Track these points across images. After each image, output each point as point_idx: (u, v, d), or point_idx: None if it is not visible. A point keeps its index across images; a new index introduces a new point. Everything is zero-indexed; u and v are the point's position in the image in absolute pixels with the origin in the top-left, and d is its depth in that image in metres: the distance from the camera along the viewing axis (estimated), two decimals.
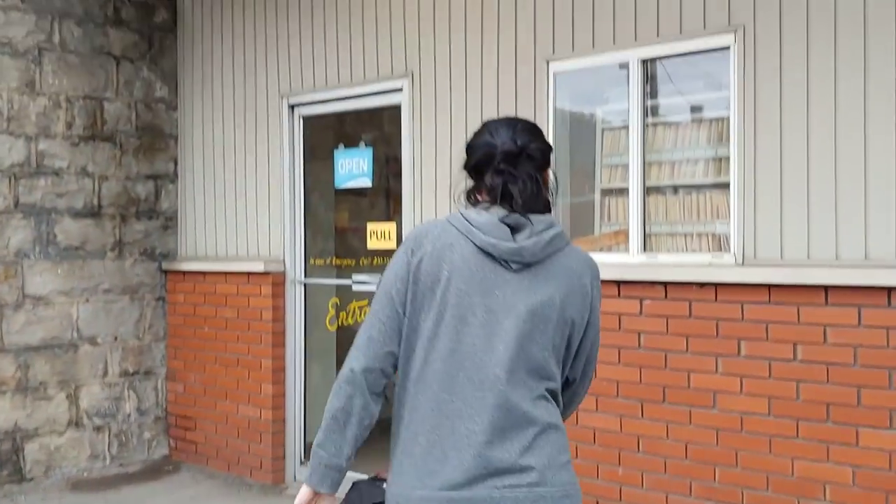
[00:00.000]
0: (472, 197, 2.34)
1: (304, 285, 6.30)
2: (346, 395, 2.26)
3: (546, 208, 2.29)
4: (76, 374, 6.48)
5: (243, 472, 6.36)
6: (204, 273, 6.68)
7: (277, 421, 6.23)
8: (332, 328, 6.40)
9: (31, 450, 6.29)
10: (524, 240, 2.23)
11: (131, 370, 6.80)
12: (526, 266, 2.24)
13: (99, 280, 6.61)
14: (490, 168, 2.29)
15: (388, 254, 5.98)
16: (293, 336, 6.26)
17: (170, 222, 7.04)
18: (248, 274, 6.34)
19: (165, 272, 6.96)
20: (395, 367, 2.28)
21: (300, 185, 6.29)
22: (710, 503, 4.23)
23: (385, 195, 7.28)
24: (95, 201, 6.62)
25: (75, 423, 6.51)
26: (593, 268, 2.36)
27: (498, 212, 2.24)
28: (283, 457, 6.26)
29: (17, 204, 6.25)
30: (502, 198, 2.26)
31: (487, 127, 2.37)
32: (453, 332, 2.20)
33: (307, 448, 6.27)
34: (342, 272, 6.51)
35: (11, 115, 6.20)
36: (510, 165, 2.27)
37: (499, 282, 2.22)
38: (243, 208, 6.51)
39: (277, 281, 6.25)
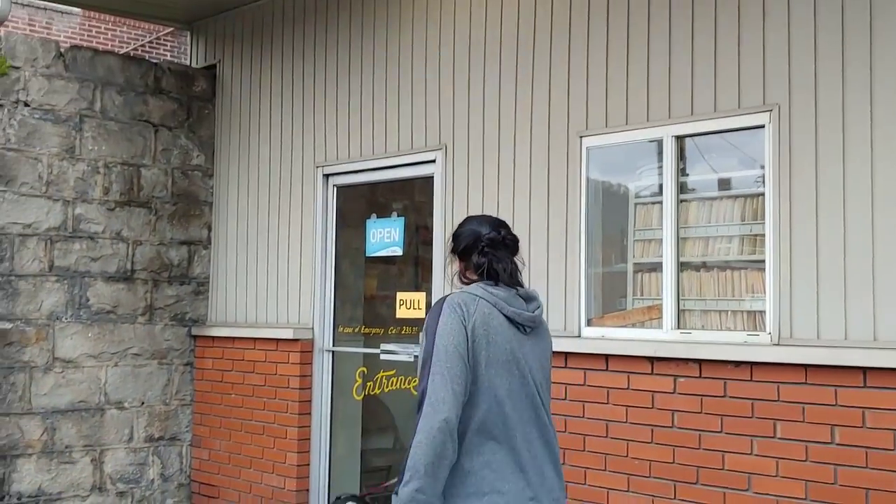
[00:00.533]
0: (463, 276, 2.96)
1: (332, 353, 6.29)
2: (441, 444, 2.56)
3: (521, 284, 2.91)
4: (102, 437, 6.47)
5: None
6: (233, 339, 6.70)
7: (301, 491, 6.15)
8: (359, 398, 6.36)
9: None
10: (534, 309, 2.86)
11: (157, 435, 6.78)
12: (533, 329, 2.84)
13: (129, 344, 6.64)
14: (476, 251, 2.89)
15: (416, 323, 5.97)
16: (319, 404, 6.23)
17: (201, 287, 7.09)
18: (277, 340, 6.34)
19: (195, 337, 6.98)
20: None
21: (331, 253, 6.32)
22: None
23: (414, 263, 7.29)
24: (129, 265, 6.68)
25: (98, 488, 6.48)
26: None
27: (506, 288, 2.83)
28: (308, 490, 6.17)
29: (51, 267, 6.32)
30: (489, 274, 2.85)
31: (470, 220, 3.04)
32: (512, 386, 2.72)
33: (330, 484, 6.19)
34: (370, 341, 6.50)
35: (51, 180, 6.31)
36: (493, 249, 2.88)
37: (521, 342, 2.79)
38: (274, 275, 6.55)
39: (306, 348, 6.24)
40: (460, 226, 3.02)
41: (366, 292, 6.75)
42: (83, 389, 6.43)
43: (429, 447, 2.53)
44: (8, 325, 6.14)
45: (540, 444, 2.78)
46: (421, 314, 5.64)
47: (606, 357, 4.64)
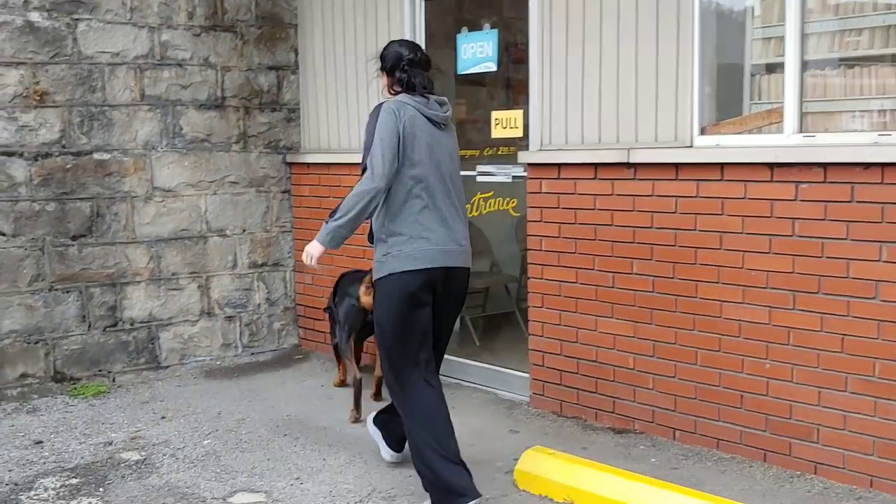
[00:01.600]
0: (390, 90, 4.05)
1: None
2: (369, 202, 3.79)
3: (433, 93, 4.00)
4: (206, 264, 6.59)
5: (370, 360, 6.39)
6: (328, 165, 6.62)
7: None
8: None
9: (166, 338, 6.47)
10: (445, 111, 3.98)
11: (260, 262, 6.88)
12: (446, 126, 3.99)
13: (225, 172, 6.64)
14: (398, 69, 4.00)
15: (513, 142, 5.77)
16: None
17: (293, 115, 6.98)
18: None
19: (290, 164, 6.94)
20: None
21: None
22: (867, 398, 3.97)
23: (504, 84, 7.01)
24: (219, 93, 6.59)
25: (207, 313, 6.65)
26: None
27: (422, 97, 3.95)
28: None
29: (142, 96, 6.27)
30: (408, 87, 3.97)
31: (392, 44, 4.14)
32: (429, 165, 3.87)
33: None
34: (464, 163, 6.33)
35: (134, 6, 6.17)
36: (411, 67, 3.98)
37: (438, 136, 3.93)
38: (364, 98, 6.37)
39: None
40: (385, 49, 4.11)
41: (461, 112, 6.54)
42: (184, 218, 6.50)
43: (361, 202, 3.77)
44: (106, 156, 6.17)
45: (452, 208, 3.95)
46: (519, 133, 5.42)
47: (721, 166, 4.39)
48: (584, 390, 5.05)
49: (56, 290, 6.03)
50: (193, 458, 4.80)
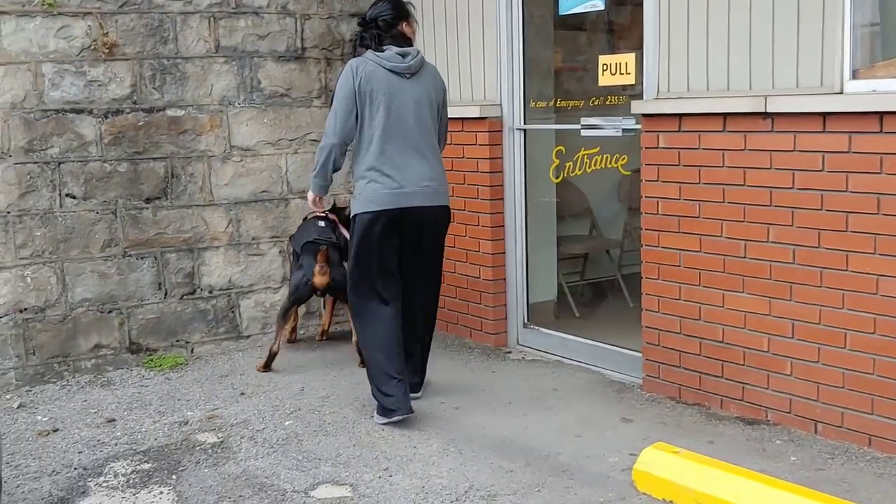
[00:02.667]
0: (362, 46, 4.49)
1: (524, 132, 5.58)
2: (328, 156, 4.44)
3: (411, 45, 4.47)
4: (288, 228, 6.16)
5: (463, 333, 5.91)
6: None
7: (498, 280, 5.68)
8: (556, 180, 5.69)
9: (247, 307, 6.09)
10: (409, 61, 4.35)
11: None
12: (412, 75, 4.36)
13: (307, 129, 6.18)
14: (370, 30, 4.47)
15: (624, 91, 5.15)
16: (512, 189, 5.61)
17: None
18: (462, 120, 5.68)
19: None
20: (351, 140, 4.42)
21: (518, 16, 5.47)
22: None
23: (608, 26, 6.33)
24: (298, 43, 6.11)
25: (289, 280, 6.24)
26: (438, 73, 4.60)
27: (390, 50, 4.39)
28: (506, 318, 5.74)
29: (217, 47, 5.83)
30: (380, 43, 4.42)
31: (372, 6, 4.55)
32: (387, 115, 4.31)
33: (530, 310, 5.71)
34: (566, 116, 5.74)
35: None
36: (378, 30, 4.43)
37: (401, 86, 4.32)
38: (454, 46, 5.80)
39: (494, 127, 5.56)
40: (369, 10, 4.54)
41: (558, 61, 5.91)
42: (264, 179, 6.08)
43: (321, 156, 4.46)
44: (180, 112, 5.76)
45: (414, 151, 4.36)
46: (631, 80, 4.80)
47: (880, 115, 3.70)
48: (707, 374, 4.46)
49: (130, 256, 5.69)
50: (273, 443, 4.39)
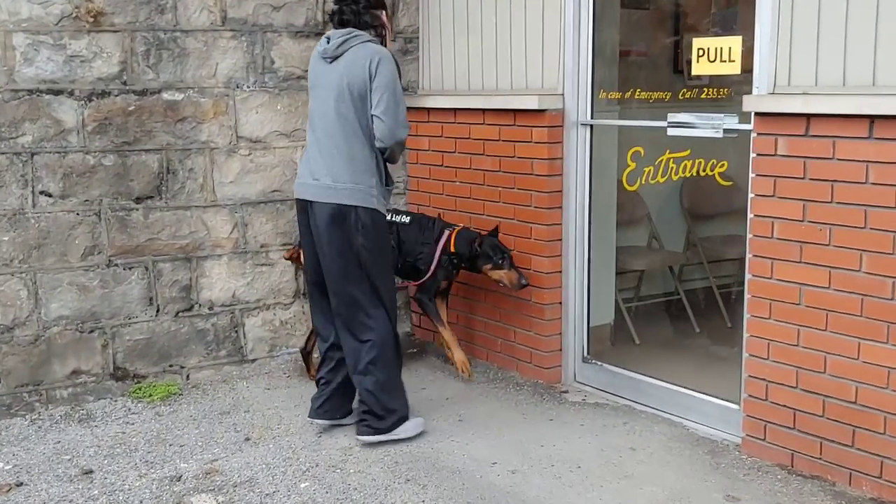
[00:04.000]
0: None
1: (591, 128, 4.65)
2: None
3: (360, 26, 3.99)
4: None
5: (507, 364, 5.02)
6: (455, 110, 5.17)
7: (553, 304, 4.77)
8: (632, 187, 4.77)
9: (253, 326, 5.19)
10: (335, 47, 3.97)
11: None
12: (334, 60, 3.97)
13: None
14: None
15: (724, 82, 4.24)
16: (575, 196, 4.69)
17: (409, 45, 5.53)
18: (516, 112, 4.77)
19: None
20: None
21: None
22: None
23: (703, 5, 5.41)
24: (319, 16, 5.17)
25: (303, 294, 5.33)
26: (376, 52, 3.92)
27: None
28: (561, 349, 4.84)
29: (224, 19, 4.90)
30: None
31: None
32: (312, 102, 4.11)
33: (590, 340, 4.81)
34: (649, 110, 4.81)
35: None
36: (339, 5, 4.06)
37: (327, 71, 3.99)
38: (506, 23, 4.86)
39: (555, 122, 4.64)
40: None
41: (638, 44, 4.98)
42: (276, 176, 5.16)
43: None
44: (178, 96, 4.84)
45: (325, 141, 3.98)
46: (734, 69, 3.88)
47: None
48: (832, 441, 3.56)
49: (116, 265, 4.78)
50: None
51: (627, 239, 5.71)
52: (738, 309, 5.97)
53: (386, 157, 3.98)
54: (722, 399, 4.10)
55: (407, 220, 4.83)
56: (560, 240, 4.72)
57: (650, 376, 4.48)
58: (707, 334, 5.64)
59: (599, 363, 4.71)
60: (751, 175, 3.75)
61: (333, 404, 4.26)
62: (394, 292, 4.16)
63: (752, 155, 3.73)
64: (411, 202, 5.60)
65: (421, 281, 4.80)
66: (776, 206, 3.64)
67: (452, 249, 4.70)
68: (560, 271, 4.74)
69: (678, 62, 5.23)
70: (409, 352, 5.46)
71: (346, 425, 4.30)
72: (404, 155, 5.58)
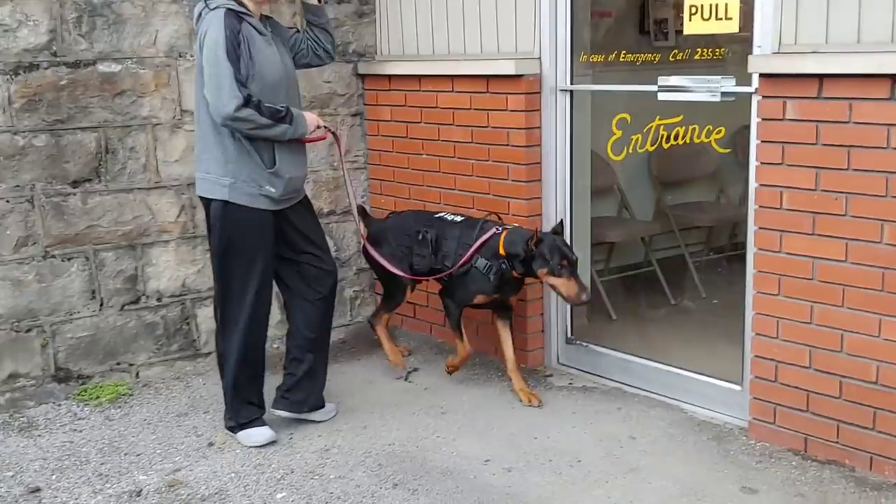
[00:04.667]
0: None
1: (571, 94, 4.34)
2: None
3: None
4: None
5: (485, 348, 4.70)
6: (419, 77, 4.80)
7: (534, 285, 4.46)
8: (618, 157, 4.48)
9: (206, 317, 4.75)
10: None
11: (326, 209, 5.13)
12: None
13: None
14: None
15: (720, 41, 3.96)
16: (554, 170, 4.38)
17: (365, 7, 5.13)
18: (488, 78, 4.42)
19: (363, 77, 5.12)
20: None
21: None
22: None
23: None
24: None
25: None
26: (207, 22, 3.44)
27: None
28: (543, 330, 4.55)
29: None
30: None
31: None
32: None
33: (572, 325, 4.53)
34: (635, 73, 4.51)
35: None
36: None
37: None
38: None
39: (532, 88, 4.31)
40: None
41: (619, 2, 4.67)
42: None
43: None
44: (115, 68, 4.38)
45: (196, 130, 3.72)
46: (732, 26, 3.59)
47: None
48: (850, 424, 3.34)
49: (53, 256, 4.32)
50: None
51: (597, 210, 5.44)
52: (712, 279, 5.84)
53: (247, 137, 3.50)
54: (722, 380, 3.87)
55: (458, 219, 4.18)
56: (540, 215, 4.41)
57: (640, 356, 4.23)
58: (683, 306, 5.43)
59: (584, 343, 4.44)
60: (755, 141, 3.49)
61: (297, 396, 3.93)
62: (244, 300, 3.64)
63: (757, 120, 3.46)
64: (373, 177, 5.22)
65: (440, 276, 4.17)
66: (785, 174, 3.39)
67: (501, 252, 3.94)
68: None
69: (652, 23, 4.93)
70: (377, 337, 5.12)
71: (315, 422, 3.97)
72: (363, 126, 5.20)
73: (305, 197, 3.88)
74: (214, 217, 3.61)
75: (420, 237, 4.16)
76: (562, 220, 4.11)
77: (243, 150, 3.52)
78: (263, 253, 3.65)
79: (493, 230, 4.01)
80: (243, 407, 3.83)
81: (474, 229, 4.08)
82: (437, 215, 4.26)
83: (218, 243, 3.64)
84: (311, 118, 3.64)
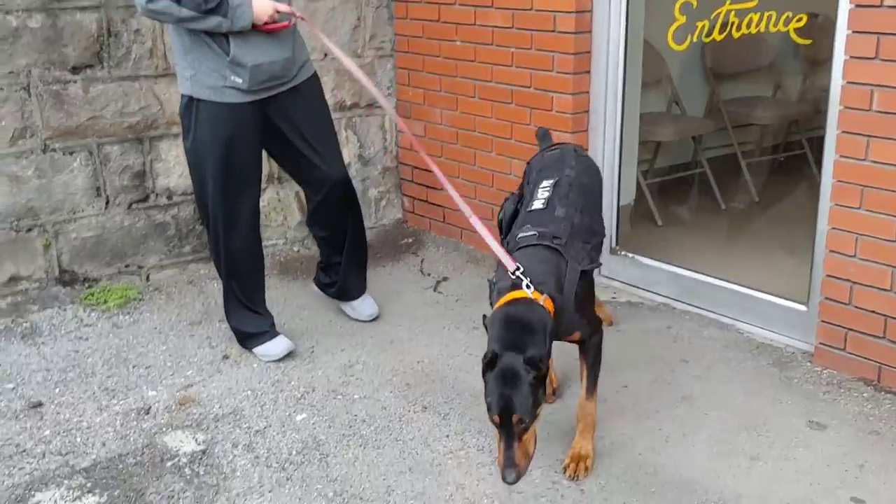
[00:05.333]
0: None
1: None
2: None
3: None
4: None
5: None
6: None
7: None
8: (680, 47, 4.00)
9: None
10: None
11: (348, 102, 4.72)
12: None
13: None
14: None
15: None
16: (605, 59, 3.91)
17: None
18: None
19: None
20: None
21: None
22: None
23: None
24: None
25: (277, 179, 4.59)
26: None
27: None
28: None
29: None
30: None
31: None
32: None
33: (618, 234, 4.15)
34: None
35: None
36: None
37: None
38: None
39: None
40: None
41: None
42: None
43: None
44: None
45: None
46: None
47: None
48: None
49: (53, 150, 3.97)
50: (283, 459, 2.88)
51: (645, 105, 5.00)
52: (766, 182, 5.42)
53: None
54: (785, 299, 3.51)
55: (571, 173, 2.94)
56: (587, 111, 3.98)
57: (691, 269, 3.86)
58: (735, 213, 5.03)
59: (631, 255, 4.07)
60: (843, 32, 3.02)
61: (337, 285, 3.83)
62: (225, 206, 3.33)
63: (849, 6, 2.99)
64: (400, 66, 4.78)
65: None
66: (879, 70, 2.94)
67: None
68: (586, 149, 4.02)
69: None
70: (403, 242, 4.79)
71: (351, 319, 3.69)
72: (390, 9, 4.73)
73: (308, 84, 3.40)
74: (183, 116, 3.26)
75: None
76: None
77: (198, 39, 3.12)
78: (242, 151, 3.28)
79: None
80: (246, 316, 3.55)
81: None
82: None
83: (190, 145, 3.28)
84: (262, 6, 3.08)
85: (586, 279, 2.70)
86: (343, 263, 3.74)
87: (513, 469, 2.32)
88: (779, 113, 5.53)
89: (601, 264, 2.64)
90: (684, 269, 3.88)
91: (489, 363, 2.38)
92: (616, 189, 4.06)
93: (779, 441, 2.86)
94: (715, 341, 3.55)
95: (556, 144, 3.16)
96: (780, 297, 3.53)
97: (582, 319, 2.66)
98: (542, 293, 2.47)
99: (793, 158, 5.62)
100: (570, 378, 3.21)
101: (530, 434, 2.37)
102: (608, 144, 3.99)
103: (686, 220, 4.96)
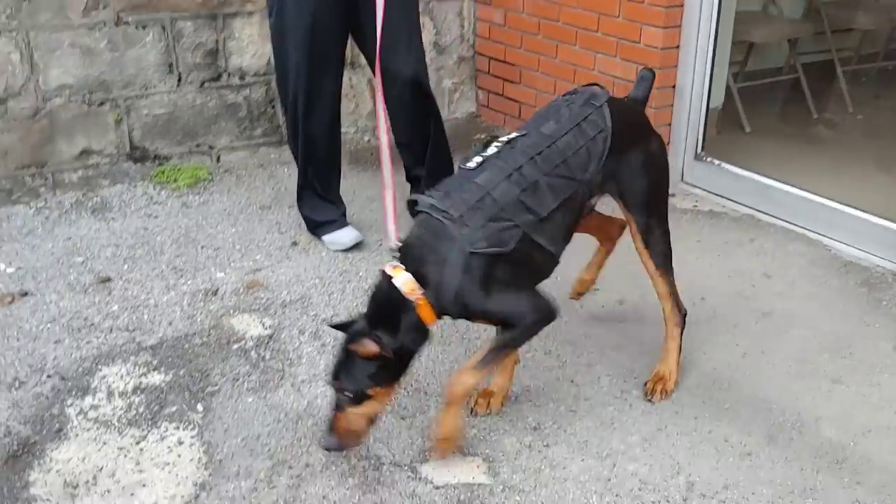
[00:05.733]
0: None
1: None
2: None
3: None
4: None
5: None
6: None
7: (665, 88, 3.87)
8: None
9: None
10: None
11: None
12: None
13: None
14: None
15: None
16: None
17: None
18: None
19: None
20: None
21: None
22: None
23: None
24: None
25: (350, 63, 4.45)
26: None
27: None
28: (670, 143, 4.00)
29: None
30: None
31: None
32: None
33: (704, 139, 3.95)
34: None
35: None
36: None
37: None
38: None
39: None
40: None
41: None
42: None
43: None
44: None
45: None
46: None
47: None
48: None
49: (126, 23, 3.89)
50: None
51: (740, 1, 4.70)
52: (863, 92, 5.12)
53: None
54: (876, 216, 3.31)
55: None
56: (682, 5, 3.74)
57: (778, 180, 3.67)
58: (828, 123, 4.77)
59: (716, 162, 3.89)
60: None
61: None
62: (299, 85, 3.23)
63: None
64: None
65: None
66: None
67: None
68: (678, 46, 3.80)
69: None
70: (476, 138, 4.65)
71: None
72: None
73: None
74: None
75: None
76: None
77: None
78: (326, 30, 3.15)
79: None
80: (318, 204, 3.48)
81: None
82: None
83: (275, 20, 3.18)
84: None
85: (508, 260, 2.21)
86: (424, 178, 3.53)
87: (331, 435, 2.22)
88: (883, 18, 5.18)
89: (509, 251, 2.16)
90: (771, 179, 3.69)
91: (343, 326, 2.29)
92: (707, 91, 3.84)
93: (863, 364, 2.73)
94: (800, 256, 3.39)
95: (589, 85, 2.50)
96: (872, 213, 3.33)
97: (488, 308, 2.22)
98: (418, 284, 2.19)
99: (894, 68, 5.30)
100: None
101: (361, 411, 2.19)
102: (701, 42, 3.76)
103: (776, 129, 4.72)
